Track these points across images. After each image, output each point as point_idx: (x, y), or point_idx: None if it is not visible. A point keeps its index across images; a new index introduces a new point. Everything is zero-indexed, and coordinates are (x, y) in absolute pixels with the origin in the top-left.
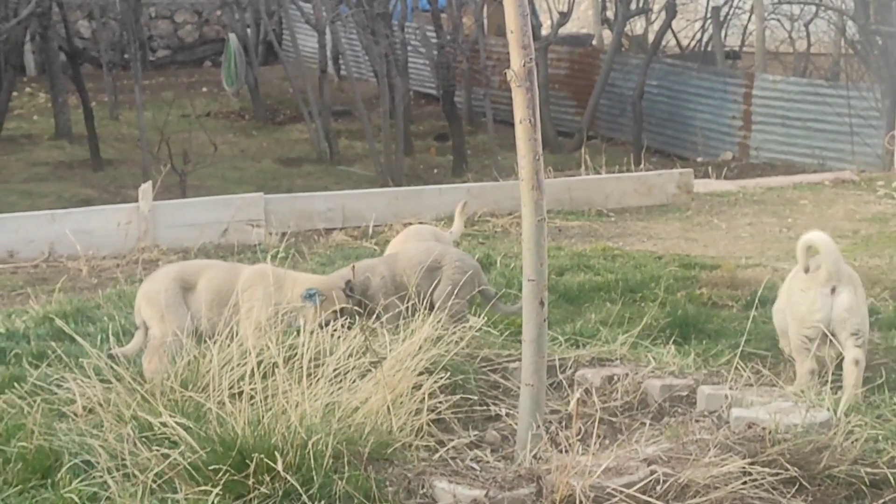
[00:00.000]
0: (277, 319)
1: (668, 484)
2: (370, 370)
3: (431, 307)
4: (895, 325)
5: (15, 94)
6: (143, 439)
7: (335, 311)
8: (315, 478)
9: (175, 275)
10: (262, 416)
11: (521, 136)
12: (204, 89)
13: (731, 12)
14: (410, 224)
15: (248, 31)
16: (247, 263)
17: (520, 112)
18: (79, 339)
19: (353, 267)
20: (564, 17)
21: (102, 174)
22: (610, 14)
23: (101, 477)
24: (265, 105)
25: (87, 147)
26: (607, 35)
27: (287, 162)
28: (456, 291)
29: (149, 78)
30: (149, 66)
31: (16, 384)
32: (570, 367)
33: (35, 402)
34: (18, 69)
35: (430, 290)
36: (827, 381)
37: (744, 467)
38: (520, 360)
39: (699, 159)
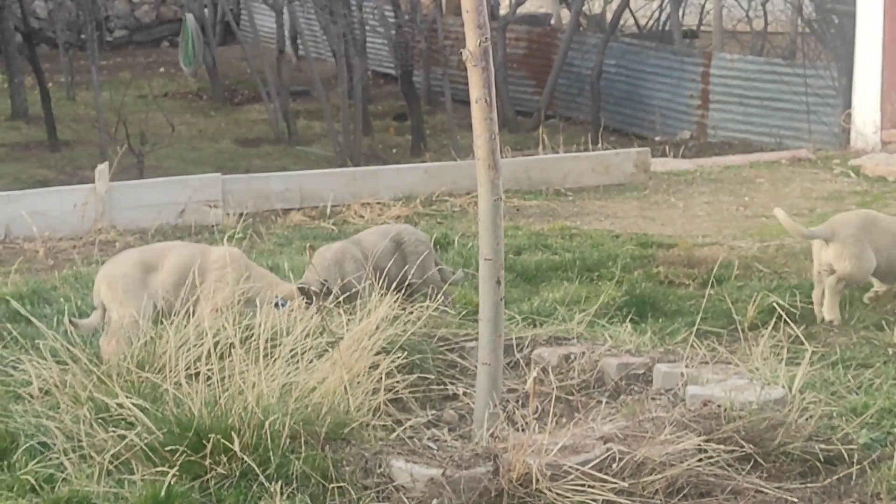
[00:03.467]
0: (236, 302)
1: (623, 461)
2: (327, 350)
3: (390, 284)
4: (848, 302)
5: None
6: (100, 420)
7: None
8: (272, 458)
9: (137, 258)
10: (219, 397)
11: (478, 116)
12: (161, 70)
13: None
14: (368, 204)
15: (206, 11)
16: (205, 244)
17: (476, 92)
18: (35, 320)
19: (310, 247)
20: None
21: (59, 155)
22: None
23: (57, 458)
24: (223, 85)
25: (44, 128)
26: (565, 14)
27: (245, 142)
28: (422, 262)
29: (106, 58)
30: (106, 47)
31: None
32: (527, 346)
33: None
34: None
35: (389, 265)
36: (782, 360)
37: (699, 444)
38: (477, 339)
39: (657, 138)
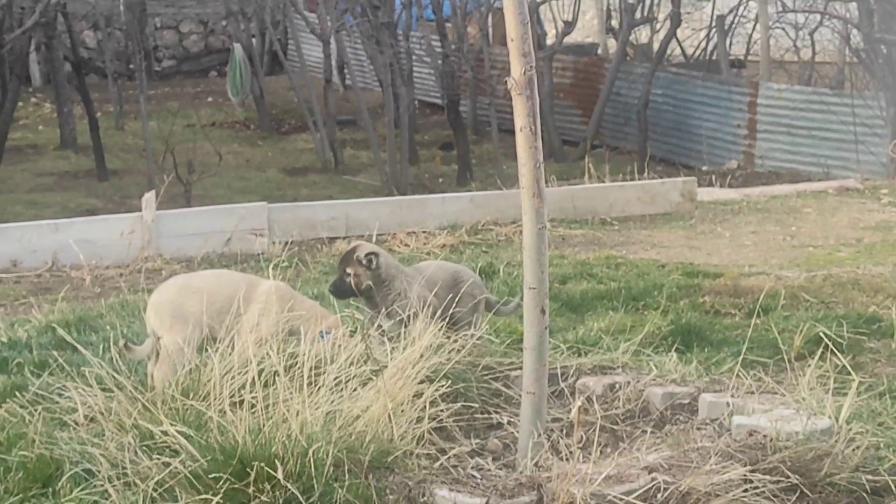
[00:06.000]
0: (280, 331)
1: (668, 492)
2: (371, 378)
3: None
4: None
5: (20, 104)
6: (144, 448)
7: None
8: (315, 486)
9: (184, 284)
10: (263, 425)
11: (522, 145)
12: (209, 99)
13: (735, 21)
14: (413, 233)
15: (254, 41)
16: (250, 273)
17: (520, 120)
18: (80, 348)
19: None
20: (569, 26)
21: (107, 184)
22: (615, 23)
23: (101, 486)
24: (270, 115)
25: (93, 157)
26: (612, 44)
27: (292, 171)
28: (472, 305)
29: (154, 88)
30: (154, 77)
31: (17, 393)
32: (572, 375)
33: (36, 411)
34: (24, 79)
35: (445, 303)
36: (829, 390)
37: (745, 475)
38: (521, 368)
39: (704, 168)
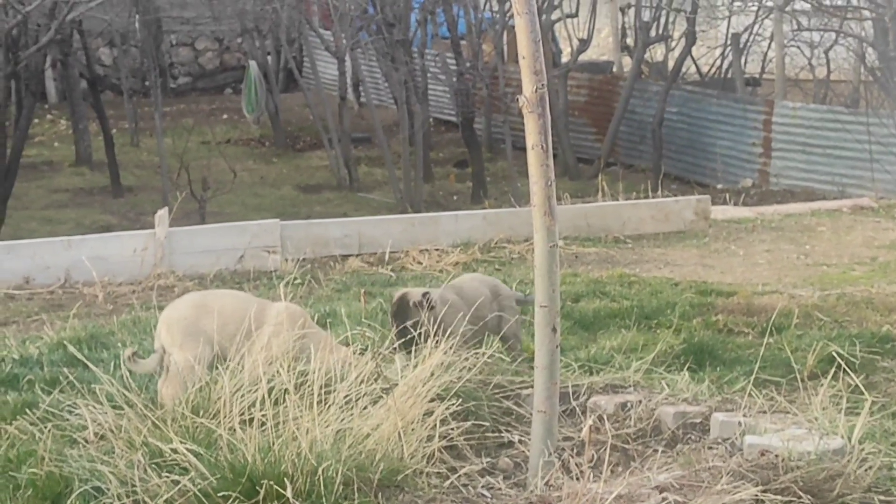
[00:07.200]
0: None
1: None
2: (382, 396)
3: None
4: None
5: (36, 121)
6: (154, 466)
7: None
8: None
9: (198, 302)
10: (273, 443)
11: (534, 162)
12: (224, 116)
13: (750, 39)
14: (426, 250)
15: (269, 58)
16: (263, 291)
17: (532, 138)
18: (91, 365)
19: (364, 293)
20: (584, 44)
21: (122, 201)
22: (630, 41)
23: (111, 503)
24: (285, 132)
25: (108, 174)
26: (627, 62)
27: (307, 189)
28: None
29: (169, 105)
30: (169, 93)
31: (28, 410)
32: (584, 394)
33: (46, 428)
34: (39, 96)
35: (488, 316)
36: (841, 410)
37: (756, 495)
38: (532, 386)
39: (719, 186)
